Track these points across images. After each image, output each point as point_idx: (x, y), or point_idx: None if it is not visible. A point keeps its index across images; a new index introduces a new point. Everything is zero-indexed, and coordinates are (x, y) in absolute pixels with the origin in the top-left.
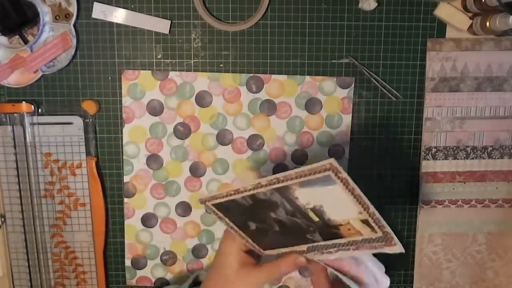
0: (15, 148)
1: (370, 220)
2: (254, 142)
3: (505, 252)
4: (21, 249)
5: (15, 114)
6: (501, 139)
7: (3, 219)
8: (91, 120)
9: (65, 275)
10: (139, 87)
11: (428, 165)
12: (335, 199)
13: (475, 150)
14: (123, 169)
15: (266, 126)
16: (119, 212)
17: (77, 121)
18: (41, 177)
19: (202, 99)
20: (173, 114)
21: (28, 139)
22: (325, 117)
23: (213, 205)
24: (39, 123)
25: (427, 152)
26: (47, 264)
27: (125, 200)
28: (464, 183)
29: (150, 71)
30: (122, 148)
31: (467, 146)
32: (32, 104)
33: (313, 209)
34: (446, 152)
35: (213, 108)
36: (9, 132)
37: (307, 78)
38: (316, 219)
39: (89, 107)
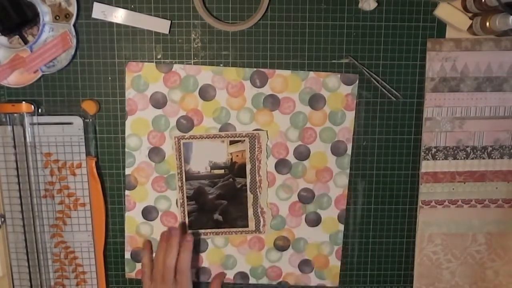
0: (15, 148)
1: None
2: None
3: (505, 252)
4: (21, 249)
5: (15, 114)
6: (501, 139)
7: (3, 219)
8: (91, 120)
9: (65, 275)
10: (142, 79)
11: (428, 165)
12: None
13: (475, 150)
14: (123, 167)
15: (269, 121)
16: (119, 212)
17: (77, 121)
18: (41, 177)
19: (206, 93)
20: (176, 107)
21: (28, 139)
22: (329, 114)
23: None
24: (39, 123)
25: (427, 152)
26: (47, 264)
27: (126, 192)
28: (464, 183)
29: (154, 63)
30: (124, 141)
31: (467, 146)
32: (32, 104)
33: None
34: (446, 152)
35: (217, 102)
36: (9, 132)
37: (311, 74)
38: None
39: (89, 107)
